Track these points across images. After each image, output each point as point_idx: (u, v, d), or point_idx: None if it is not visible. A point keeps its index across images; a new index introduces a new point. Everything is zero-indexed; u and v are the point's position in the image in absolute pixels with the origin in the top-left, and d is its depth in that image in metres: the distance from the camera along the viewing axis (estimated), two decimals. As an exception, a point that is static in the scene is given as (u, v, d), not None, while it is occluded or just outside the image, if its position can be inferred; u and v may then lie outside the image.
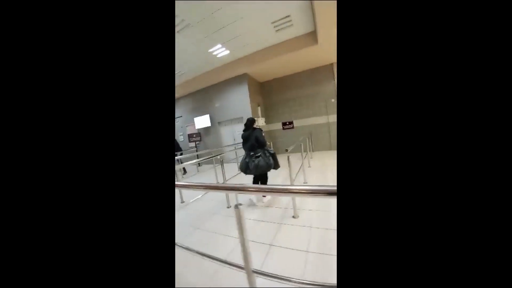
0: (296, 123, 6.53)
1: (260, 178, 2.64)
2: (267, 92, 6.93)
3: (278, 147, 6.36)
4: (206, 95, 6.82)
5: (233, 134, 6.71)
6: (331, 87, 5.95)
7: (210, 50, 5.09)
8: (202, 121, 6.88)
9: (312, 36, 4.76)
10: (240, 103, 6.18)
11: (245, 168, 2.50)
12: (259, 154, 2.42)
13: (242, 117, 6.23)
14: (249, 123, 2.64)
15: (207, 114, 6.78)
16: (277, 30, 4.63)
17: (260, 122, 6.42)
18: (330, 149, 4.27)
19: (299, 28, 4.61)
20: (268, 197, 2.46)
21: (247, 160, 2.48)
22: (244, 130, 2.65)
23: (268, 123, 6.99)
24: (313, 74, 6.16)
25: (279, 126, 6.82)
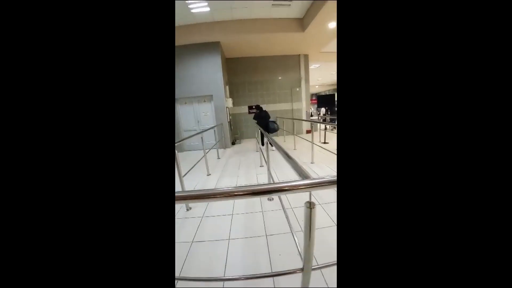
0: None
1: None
2: (232, 70, 6.27)
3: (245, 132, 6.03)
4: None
5: (195, 116, 5.55)
6: (296, 76, 6.46)
7: (188, 0, 3.81)
8: (151, 95, 5.06)
9: (298, 23, 4.86)
10: (208, 77, 5.18)
11: (275, 130, 4.65)
12: (275, 121, 4.83)
13: (212, 95, 5.29)
14: (260, 107, 5.05)
15: (160, 86, 5.07)
16: (273, 5, 4.29)
17: (229, 104, 5.79)
18: (293, 133, 4.87)
19: (294, 10, 4.54)
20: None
21: (275, 125, 4.71)
22: (260, 111, 4.82)
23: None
24: (282, 61, 6.34)
25: (244, 109, 6.48)
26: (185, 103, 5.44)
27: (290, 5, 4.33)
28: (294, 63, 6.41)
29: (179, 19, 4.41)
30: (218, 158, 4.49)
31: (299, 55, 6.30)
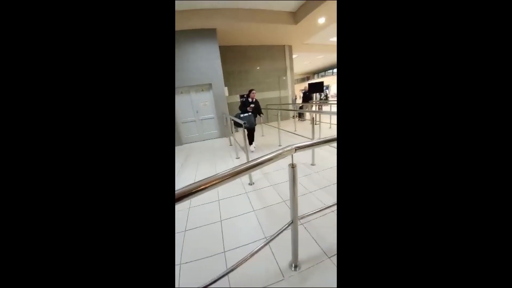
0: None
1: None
2: (223, 58, 6.16)
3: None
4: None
5: (192, 105, 5.32)
6: (282, 65, 6.88)
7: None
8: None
9: (291, 16, 5.19)
10: (207, 65, 5.04)
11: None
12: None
13: (210, 84, 5.18)
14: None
15: (155, 74, 4.62)
16: (274, -4, 4.47)
17: (225, 93, 5.77)
18: (281, 119, 5.43)
19: (290, 4, 4.83)
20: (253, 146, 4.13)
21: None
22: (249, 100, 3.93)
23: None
24: (269, 51, 6.61)
25: (237, 98, 6.54)
26: (181, 92, 5.14)
27: (290, -4, 4.60)
28: (280, 53, 6.80)
29: (177, 3, 4.10)
30: (230, 144, 4.59)
31: (284, 45, 6.71)
